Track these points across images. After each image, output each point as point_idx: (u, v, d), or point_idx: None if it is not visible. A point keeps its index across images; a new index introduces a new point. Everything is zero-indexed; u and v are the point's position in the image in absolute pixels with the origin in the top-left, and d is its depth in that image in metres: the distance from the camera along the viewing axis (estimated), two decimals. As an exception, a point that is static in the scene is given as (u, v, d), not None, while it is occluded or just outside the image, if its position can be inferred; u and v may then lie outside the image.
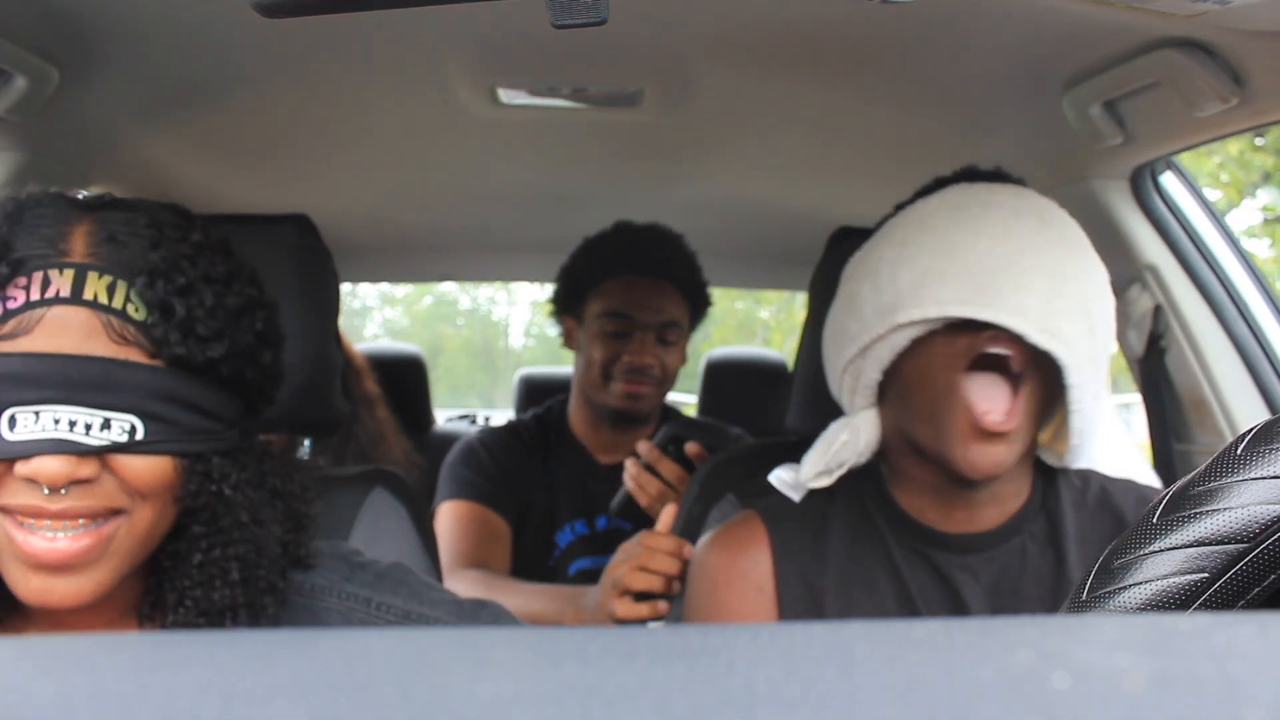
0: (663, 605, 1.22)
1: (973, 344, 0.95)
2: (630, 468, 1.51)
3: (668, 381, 1.76)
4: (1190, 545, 0.54)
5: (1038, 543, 1.00)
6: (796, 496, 1.11)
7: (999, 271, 0.93)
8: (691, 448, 1.49)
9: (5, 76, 1.12)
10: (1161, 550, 0.55)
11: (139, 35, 1.15)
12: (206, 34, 1.17)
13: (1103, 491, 1.04)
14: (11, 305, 0.67)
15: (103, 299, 0.68)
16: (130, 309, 0.68)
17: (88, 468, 0.66)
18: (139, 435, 0.68)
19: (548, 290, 1.93)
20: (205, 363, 0.70)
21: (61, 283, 0.67)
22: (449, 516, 1.68)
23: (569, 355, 1.87)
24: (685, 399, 3.83)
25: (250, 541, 0.73)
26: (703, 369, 2.77)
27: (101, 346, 0.67)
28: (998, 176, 1.04)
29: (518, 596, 1.47)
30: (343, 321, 1.33)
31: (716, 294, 1.88)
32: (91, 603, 0.68)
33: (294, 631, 0.27)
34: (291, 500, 0.79)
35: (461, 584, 1.52)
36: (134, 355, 0.68)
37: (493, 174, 1.87)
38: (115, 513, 0.68)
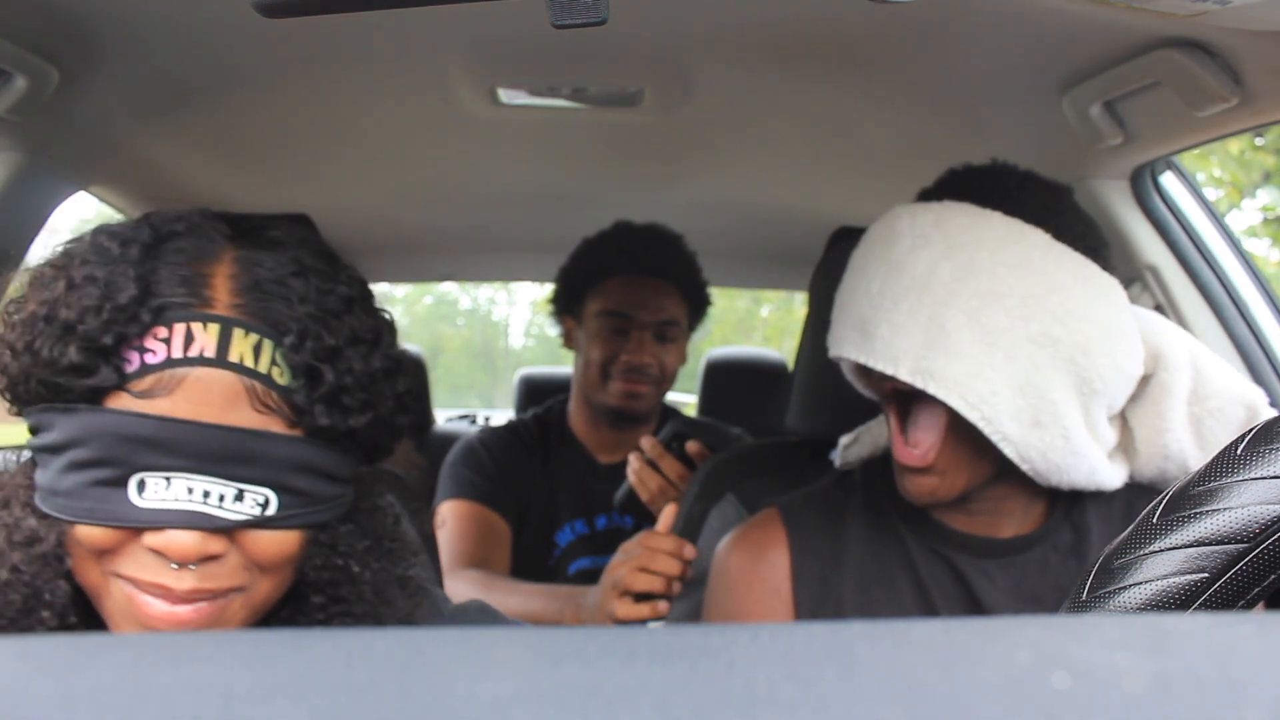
0: (663, 606, 1.22)
1: (880, 381, 0.97)
2: (634, 462, 1.51)
3: (666, 381, 1.76)
4: (1190, 545, 0.54)
5: (1060, 553, 0.99)
6: (838, 460, 1.17)
7: (880, 312, 0.94)
8: (693, 446, 1.49)
9: (5, 76, 1.12)
10: (1161, 550, 0.55)
11: (139, 35, 1.15)
12: (206, 34, 1.16)
13: (1128, 504, 1.02)
14: (150, 360, 0.62)
15: (248, 361, 0.62)
16: (275, 373, 0.63)
17: (217, 543, 0.62)
18: (271, 509, 0.64)
19: (548, 290, 1.93)
20: (345, 432, 0.66)
21: (206, 340, 0.62)
22: (449, 516, 1.68)
23: (569, 355, 1.87)
24: (685, 399, 3.83)
25: (372, 616, 0.70)
26: (703, 369, 2.77)
27: (244, 416, 0.62)
28: (994, 173, 1.02)
29: (517, 596, 1.47)
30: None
31: (716, 292, 1.88)
32: None
33: (294, 631, 0.27)
34: (402, 563, 0.74)
35: (461, 584, 1.52)
36: (274, 425, 0.64)
37: (493, 174, 1.87)
38: (236, 589, 0.65)
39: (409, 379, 0.72)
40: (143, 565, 0.62)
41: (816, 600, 1.03)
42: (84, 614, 0.66)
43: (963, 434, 0.93)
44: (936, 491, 0.96)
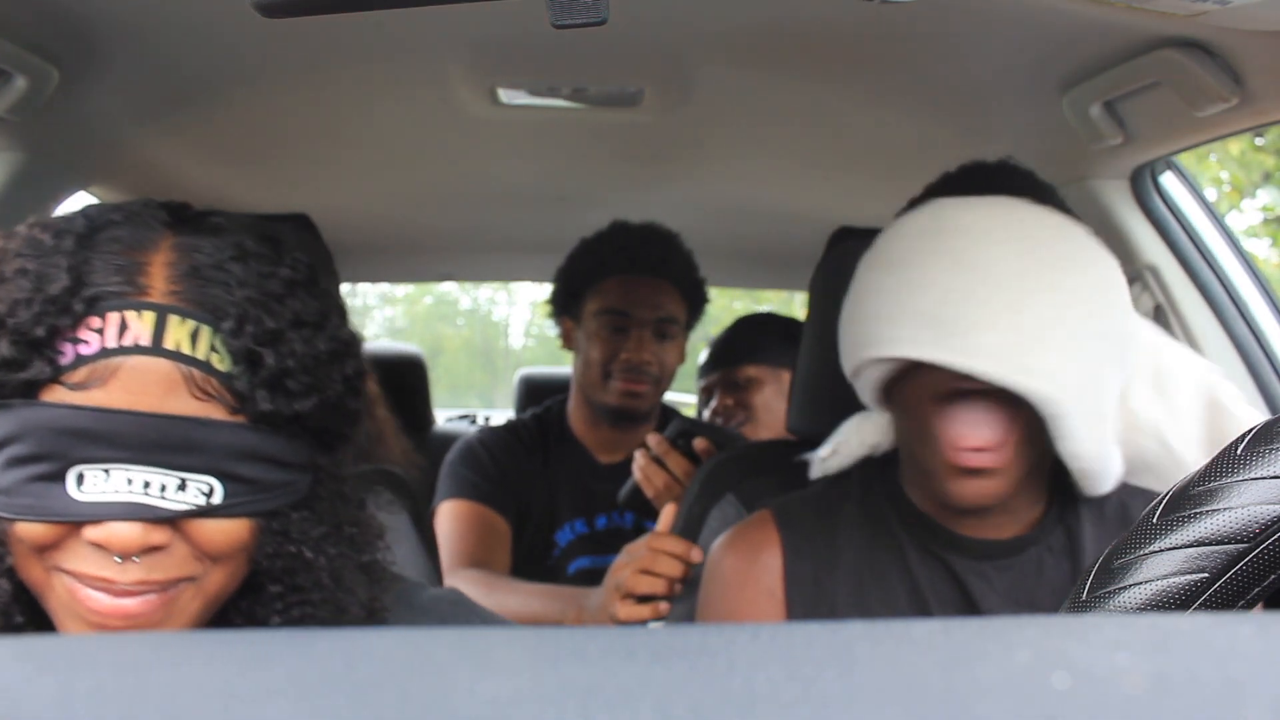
0: (664, 606, 1.22)
1: (942, 381, 0.91)
2: (639, 458, 1.51)
3: (665, 379, 1.76)
4: (1190, 545, 0.54)
5: (1055, 554, 0.98)
6: (815, 473, 1.14)
7: (952, 308, 0.88)
8: (700, 444, 1.49)
9: (5, 76, 1.12)
10: (1161, 550, 0.55)
11: (139, 35, 1.15)
12: (207, 34, 1.17)
13: (1122, 505, 1.01)
14: (85, 351, 0.60)
15: (185, 348, 0.61)
16: (214, 359, 0.62)
17: (160, 534, 0.61)
18: (216, 498, 0.62)
19: (548, 290, 1.93)
20: (291, 416, 0.65)
21: (140, 328, 0.61)
22: (449, 516, 1.69)
23: (569, 355, 1.88)
24: (685, 399, 3.83)
25: (331, 603, 0.68)
26: (703, 369, 2.77)
27: (182, 404, 0.61)
28: (1003, 171, 1.01)
29: (518, 596, 1.47)
30: (343, 321, 1.33)
31: (715, 293, 1.88)
32: None
33: (294, 631, 0.27)
34: (365, 550, 0.73)
35: (462, 584, 1.52)
36: (215, 412, 0.62)
37: (493, 174, 1.88)
38: (185, 579, 0.63)
39: (359, 361, 0.70)
40: (85, 559, 0.61)
41: (809, 602, 1.02)
42: (30, 612, 0.65)
43: (1021, 433, 0.90)
44: (998, 493, 0.92)
